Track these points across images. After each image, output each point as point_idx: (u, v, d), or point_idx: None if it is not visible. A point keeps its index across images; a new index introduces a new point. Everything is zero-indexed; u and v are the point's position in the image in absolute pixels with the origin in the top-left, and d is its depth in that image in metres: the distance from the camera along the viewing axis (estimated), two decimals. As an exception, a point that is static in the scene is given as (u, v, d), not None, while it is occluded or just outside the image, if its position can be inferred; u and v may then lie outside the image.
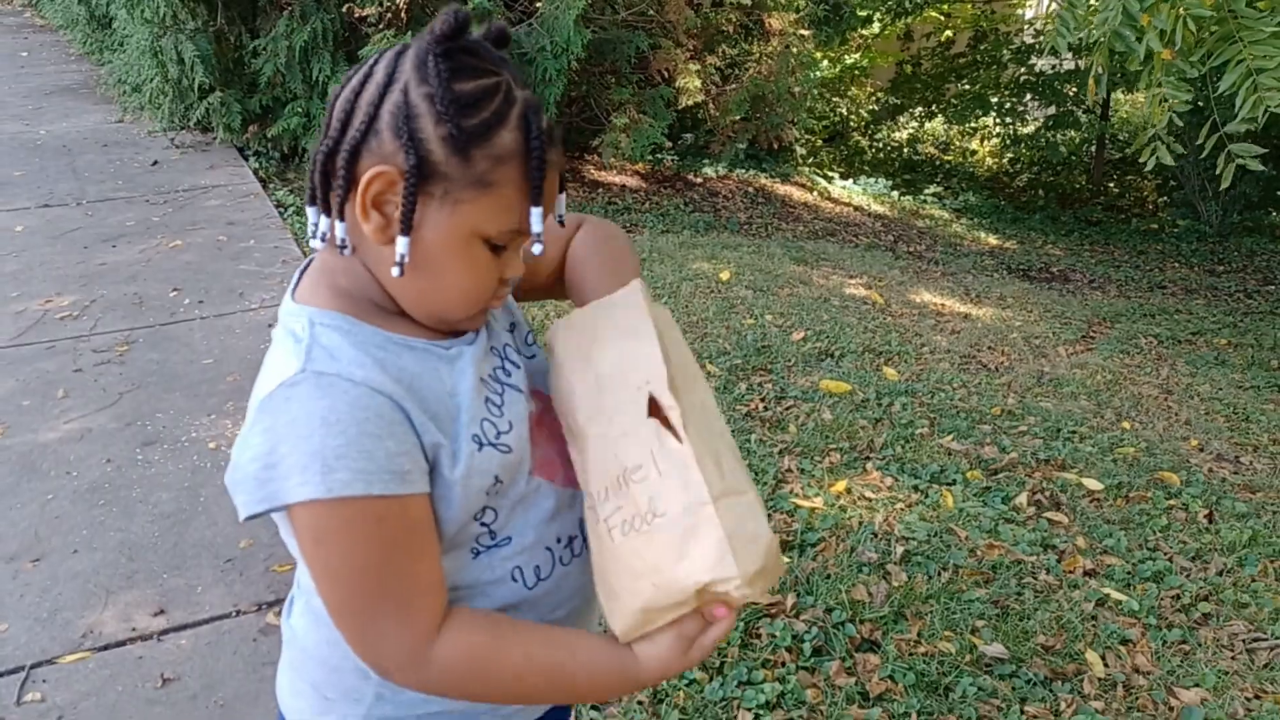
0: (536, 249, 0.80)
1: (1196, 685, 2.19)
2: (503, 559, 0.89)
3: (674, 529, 0.83)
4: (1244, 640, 2.36)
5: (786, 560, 2.51)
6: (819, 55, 11.48)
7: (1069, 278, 7.51)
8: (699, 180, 8.02)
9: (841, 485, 2.92)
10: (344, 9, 5.79)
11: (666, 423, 0.86)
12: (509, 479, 0.87)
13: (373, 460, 0.75)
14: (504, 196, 0.78)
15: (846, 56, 12.25)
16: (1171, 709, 2.11)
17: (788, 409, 3.48)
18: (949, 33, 11.72)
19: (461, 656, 0.82)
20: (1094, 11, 3.33)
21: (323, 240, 0.83)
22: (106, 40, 9.57)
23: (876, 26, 11.71)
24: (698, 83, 6.97)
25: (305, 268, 0.89)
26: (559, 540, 0.93)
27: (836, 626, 2.27)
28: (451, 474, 0.81)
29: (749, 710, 2.01)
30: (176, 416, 3.30)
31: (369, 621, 0.80)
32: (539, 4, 5.96)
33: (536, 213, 0.79)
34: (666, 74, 6.98)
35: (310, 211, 0.83)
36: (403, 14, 5.94)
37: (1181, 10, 3.15)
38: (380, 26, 5.81)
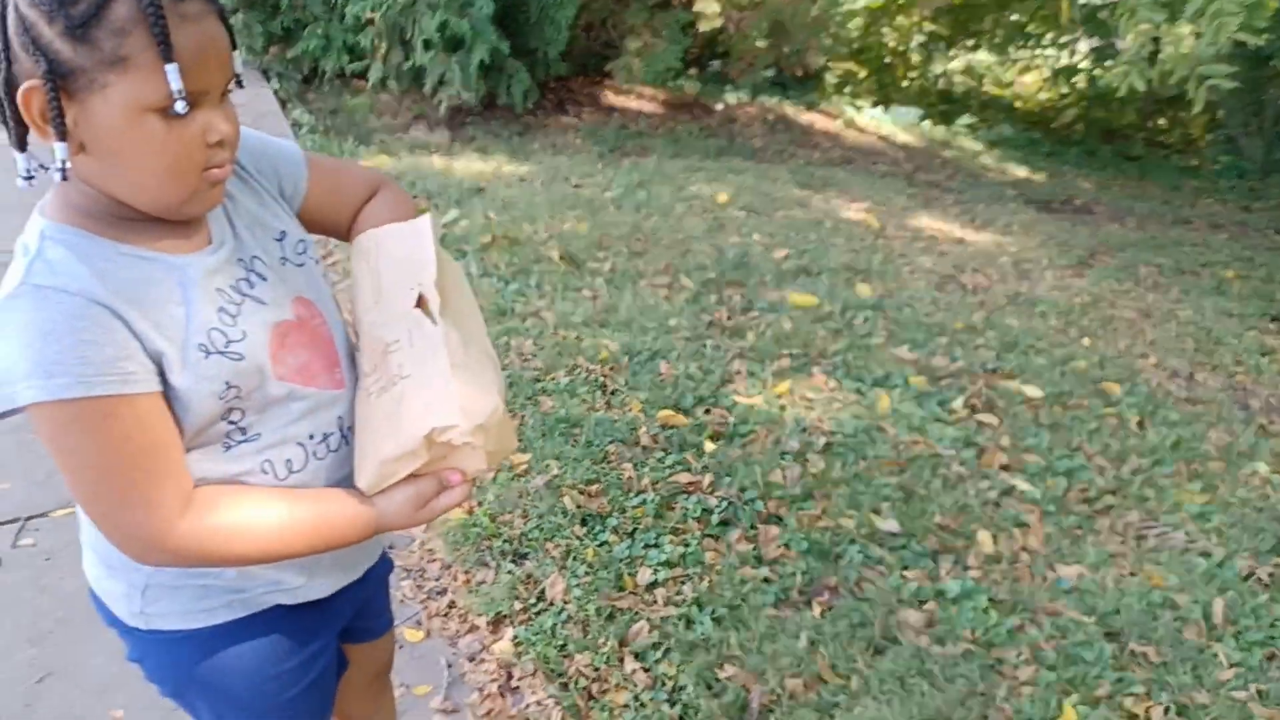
0: (180, 107, 0.81)
1: (1078, 563, 2.33)
2: (253, 452, 0.96)
3: (415, 387, 0.97)
4: (1135, 528, 2.49)
5: (712, 447, 2.69)
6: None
7: (1091, 210, 7.43)
8: (719, 107, 8.05)
9: (785, 387, 3.07)
10: (363, -68, 5.91)
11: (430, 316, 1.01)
12: (247, 385, 0.93)
13: (90, 365, 0.82)
14: (144, 65, 0.80)
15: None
16: (1045, 580, 2.26)
17: (751, 319, 3.62)
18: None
19: (209, 530, 0.90)
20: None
21: (27, 180, 0.86)
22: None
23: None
24: (716, 7, 6.99)
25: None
26: (311, 436, 1.00)
27: (746, 503, 2.45)
28: (179, 379, 0.88)
29: (649, 567, 2.21)
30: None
31: (110, 511, 0.87)
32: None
33: (171, 69, 0.80)
34: (686, -1, 7.01)
35: (15, 155, 0.87)
36: (420, -64, 6.05)
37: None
38: (398, -51, 5.93)
